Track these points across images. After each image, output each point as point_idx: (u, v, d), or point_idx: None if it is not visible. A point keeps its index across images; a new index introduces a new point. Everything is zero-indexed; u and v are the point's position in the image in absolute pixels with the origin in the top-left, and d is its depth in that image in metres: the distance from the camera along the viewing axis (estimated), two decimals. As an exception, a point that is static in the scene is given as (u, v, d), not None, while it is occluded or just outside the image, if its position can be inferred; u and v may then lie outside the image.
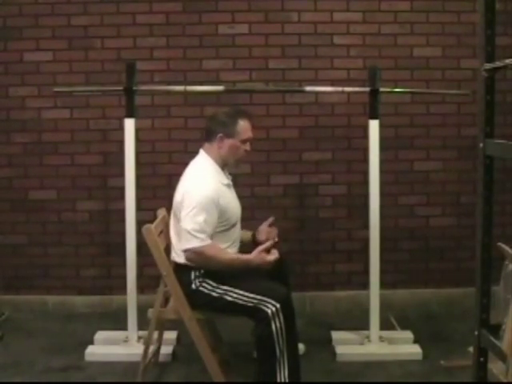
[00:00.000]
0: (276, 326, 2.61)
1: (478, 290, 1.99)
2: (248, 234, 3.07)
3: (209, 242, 2.72)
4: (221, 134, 2.86)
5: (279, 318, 2.61)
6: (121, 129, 3.43)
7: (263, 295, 2.65)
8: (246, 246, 2.98)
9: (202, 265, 2.75)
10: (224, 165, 2.93)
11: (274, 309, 2.61)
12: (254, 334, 2.66)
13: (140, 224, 2.95)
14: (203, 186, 2.77)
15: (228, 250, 2.84)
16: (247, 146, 2.92)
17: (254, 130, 2.96)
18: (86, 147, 4.01)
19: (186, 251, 2.73)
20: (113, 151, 3.92)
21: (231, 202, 2.88)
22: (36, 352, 3.39)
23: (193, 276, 2.78)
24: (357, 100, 3.87)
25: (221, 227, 2.80)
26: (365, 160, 3.49)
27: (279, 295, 2.67)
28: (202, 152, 2.92)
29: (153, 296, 3.03)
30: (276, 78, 3.97)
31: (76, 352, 3.35)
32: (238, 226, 2.97)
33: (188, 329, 2.81)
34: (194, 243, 2.69)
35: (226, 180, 2.92)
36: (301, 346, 3.12)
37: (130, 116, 3.32)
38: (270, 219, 3.07)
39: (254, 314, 2.64)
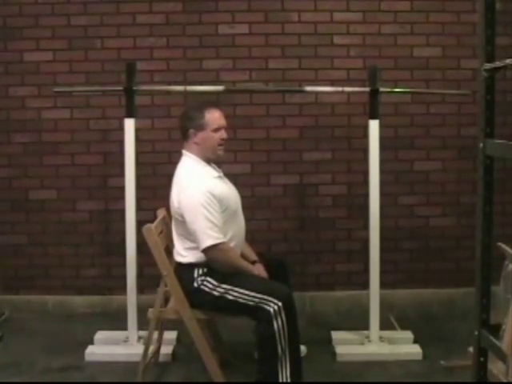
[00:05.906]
0: (278, 325, 2.60)
1: (478, 290, 1.98)
2: (249, 258, 3.01)
3: (223, 235, 2.74)
4: (192, 130, 2.89)
5: (281, 317, 2.61)
6: (121, 129, 3.44)
7: (265, 294, 2.64)
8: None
9: (223, 260, 2.75)
10: (207, 159, 2.93)
11: (276, 307, 2.61)
12: (256, 334, 2.66)
13: (140, 224, 2.96)
14: (196, 184, 2.78)
15: (233, 239, 2.85)
16: (222, 134, 2.92)
17: (226, 118, 2.96)
18: (86, 147, 4.01)
19: (207, 250, 2.72)
20: (113, 151, 3.92)
21: (225, 190, 2.89)
22: (36, 352, 3.39)
23: (195, 274, 2.78)
24: (357, 100, 3.87)
25: (223, 217, 2.79)
26: (365, 160, 3.49)
27: (281, 294, 2.66)
28: (184, 152, 2.95)
29: (153, 296, 3.04)
30: (276, 78, 3.97)
31: (76, 352, 3.35)
32: (240, 214, 2.96)
33: (188, 329, 2.82)
34: (211, 240, 2.71)
35: (216, 173, 2.93)
36: (302, 348, 3.11)
37: (129, 116, 3.32)
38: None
39: (256, 312, 2.64)
